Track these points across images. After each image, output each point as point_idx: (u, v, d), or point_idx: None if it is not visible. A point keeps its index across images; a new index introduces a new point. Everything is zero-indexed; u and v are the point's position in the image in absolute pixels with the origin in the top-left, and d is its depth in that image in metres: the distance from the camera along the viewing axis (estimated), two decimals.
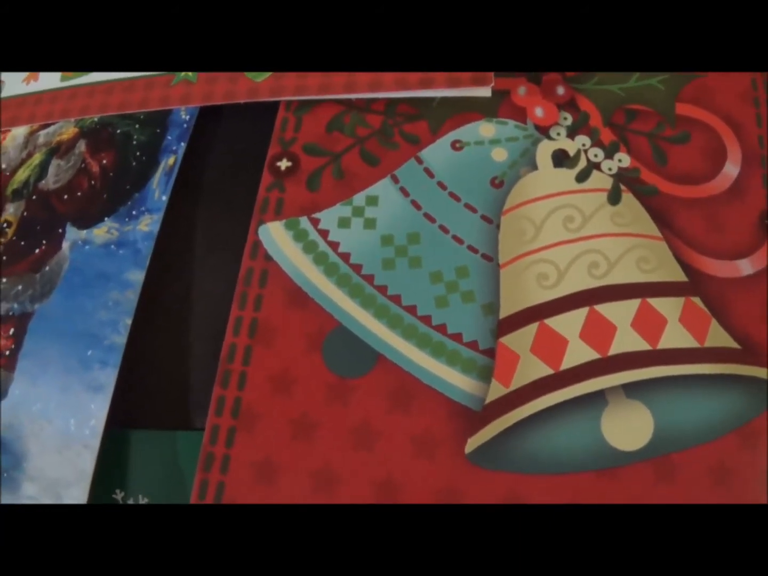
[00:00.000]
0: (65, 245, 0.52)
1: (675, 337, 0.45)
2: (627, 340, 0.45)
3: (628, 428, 0.44)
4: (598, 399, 0.44)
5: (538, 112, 0.52)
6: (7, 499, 0.47)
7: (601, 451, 0.44)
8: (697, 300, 0.47)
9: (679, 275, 0.47)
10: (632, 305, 0.46)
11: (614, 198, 0.49)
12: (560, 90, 0.52)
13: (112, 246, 0.51)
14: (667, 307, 0.46)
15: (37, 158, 0.56)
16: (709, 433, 0.44)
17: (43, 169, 0.56)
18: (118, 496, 0.47)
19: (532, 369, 0.45)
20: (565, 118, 0.52)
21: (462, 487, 0.43)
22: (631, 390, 0.44)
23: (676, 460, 0.43)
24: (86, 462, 0.46)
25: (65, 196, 0.54)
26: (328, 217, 0.50)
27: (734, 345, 0.46)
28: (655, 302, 0.46)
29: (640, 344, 0.45)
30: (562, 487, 0.43)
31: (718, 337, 0.46)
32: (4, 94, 0.60)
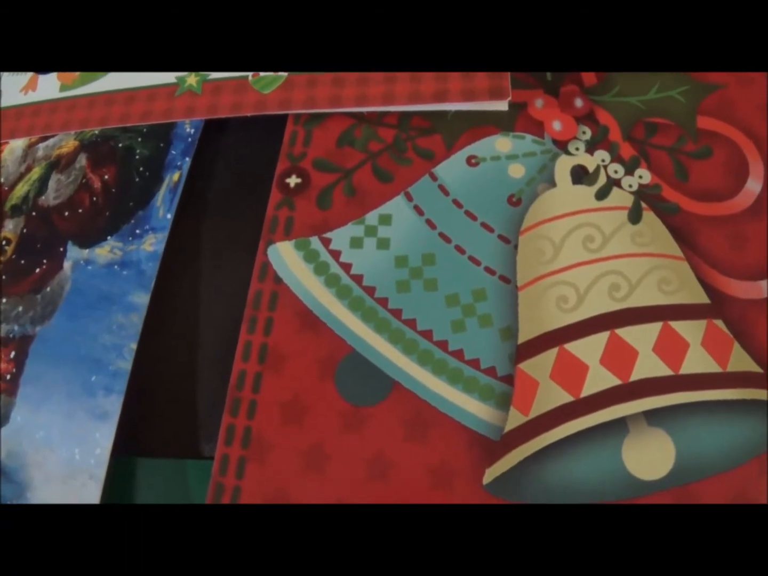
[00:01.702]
0: (66, 265, 0.51)
1: (697, 361, 0.44)
2: (649, 366, 0.44)
3: (650, 457, 0.43)
4: (619, 427, 0.43)
5: (556, 125, 0.51)
6: None
7: (622, 481, 0.43)
8: (719, 323, 0.46)
9: (701, 297, 0.46)
10: (654, 329, 0.45)
11: (635, 217, 0.48)
12: (578, 102, 0.51)
13: (116, 266, 0.50)
14: (689, 330, 0.45)
15: (36, 172, 0.55)
16: (731, 460, 0.43)
17: (42, 184, 0.55)
18: None
19: (551, 396, 0.44)
20: (584, 132, 0.51)
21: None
22: (652, 417, 0.44)
23: (697, 490, 0.43)
24: (92, 492, 0.45)
25: (66, 213, 0.53)
26: (340, 236, 0.49)
27: (757, 369, 0.45)
28: (677, 325, 0.45)
29: (662, 370, 0.44)
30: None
31: (740, 360, 0.45)
32: (2, 104, 0.58)
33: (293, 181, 0.50)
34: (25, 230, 0.53)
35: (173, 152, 0.53)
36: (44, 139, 0.57)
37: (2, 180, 0.56)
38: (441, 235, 0.48)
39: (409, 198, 0.49)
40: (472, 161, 0.50)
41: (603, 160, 0.50)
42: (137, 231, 0.51)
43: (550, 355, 0.45)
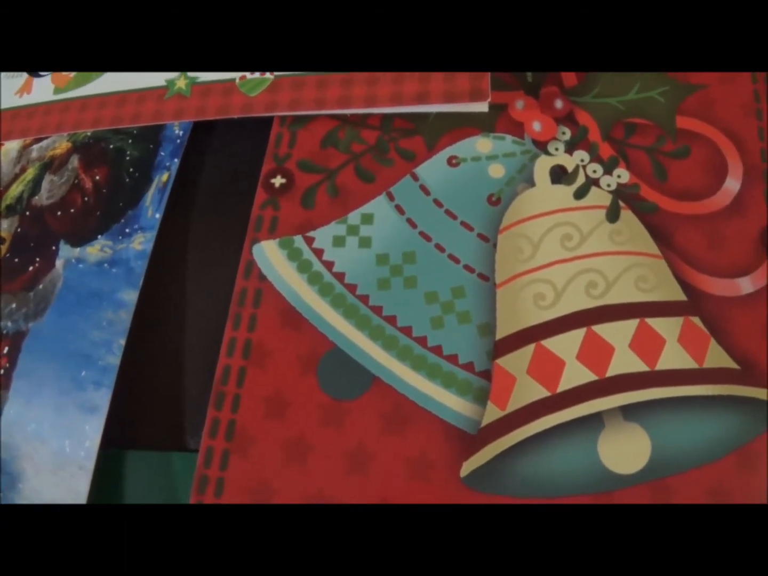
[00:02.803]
0: (59, 263, 0.52)
1: (673, 357, 0.45)
2: (625, 362, 0.44)
3: (625, 451, 0.44)
4: (595, 421, 0.44)
5: (536, 126, 0.51)
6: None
7: (597, 475, 0.43)
8: (696, 320, 0.46)
9: (678, 294, 0.47)
10: (630, 326, 0.45)
11: (613, 215, 0.48)
12: (558, 103, 0.51)
13: (105, 264, 0.51)
14: (666, 327, 0.45)
15: (30, 173, 0.56)
16: (708, 455, 0.44)
17: (36, 185, 0.55)
18: None
19: (528, 391, 0.44)
20: (564, 133, 0.51)
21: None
22: (628, 412, 0.44)
23: (673, 483, 0.43)
24: (81, 483, 0.46)
25: (59, 213, 0.54)
26: (323, 235, 0.49)
27: (733, 365, 0.45)
28: (654, 322, 0.45)
29: (638, 365, 0.44)
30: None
31: (717, 357, 0.45)
32: None
33: (278, 181, 0.51)
34: (19, 229, 0.54)
35: (162, 153, 0.54)
36: (38, 140, 0.57)
37: None
38: (421, 233, 0.49)
39: (390, 198, 0.50)
40: (452, 161, 0.51)
41: (582, 160, 0.50)
42: (127, 230, 0.51)
43: (528, 351, 0.45)
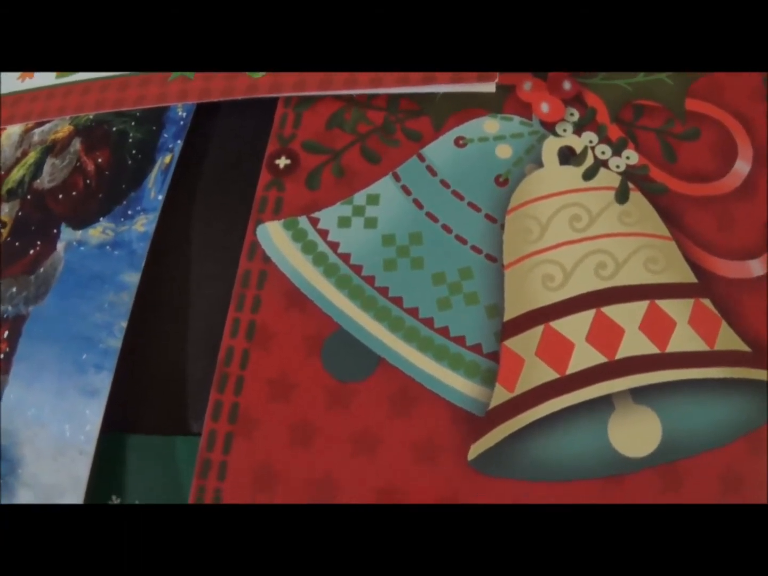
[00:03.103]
0: (60, 246, 0.51)
1: (684, 340, 0.44)
2: (635, 344, 0.44)
3: (635, 434, 0.43)
4: (605, 404, 0.43)
5: (544, 107, 0.51)
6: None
7: (607, 458, 0.43)
8: (707, 302, 0.46)
9: (688, 276, 0.46)
10: (640, 307, 0.45)
11: (622, 196, 0.48)
12: (567, 85, 0.51)
13: (107, 247, 0.50)
14: (676, 309, 0.45)
15: (32, 157, 0.56)
16: (718, 438, 0.43)
17: (38, 168, 0.55)
18: (114, 502, 0.46)
19: (537, 373, 0.44)
20: (572, 114, 0.51)
21: (465, 494, 0.42)
22: (638, 395, 0.44)
23: (684, 467, 0.43)
24: (81, 468, 0.45)
25: (60, 196, 0.53)
26: (328, 216, 0.49)
27: (745, 348, 0.45)
28: (664, 304, 0.45)
29: (648, 347, 0.44)
30: (568, 495, 0.42)
31: (728, 339, 0.45)
32: (1, 91, 0.59)
33: (283, 162, 0.50)
34: (20, 213, 0.54)
35: (165, 135, 0.53)
36: (40, 124, 0.57)
37: None
38: (428, 214, 0.48)
39: (396, 178, 0.49)
40: (459, 142, 0.50)
41: (590, 142, 0.50)
42: (129, 212, 0.51)
43: (536, 332, 0.45)
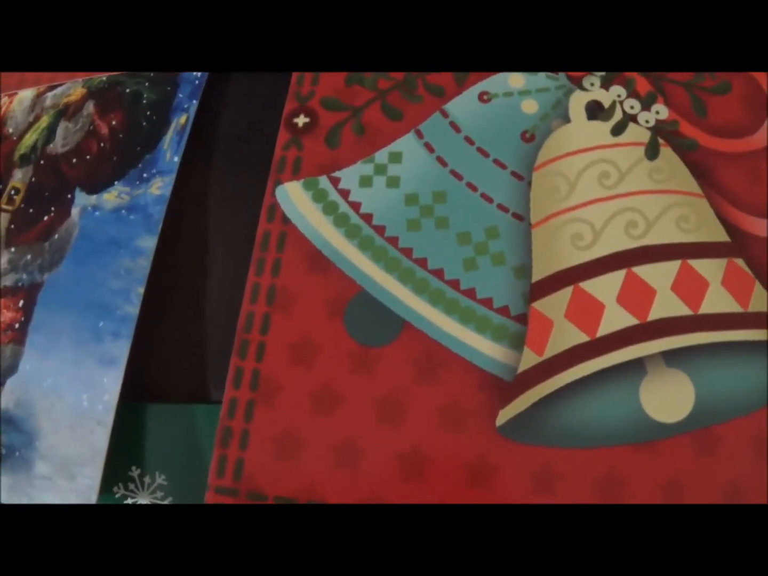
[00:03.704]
0: (74, 211, 0.51)
1: (717, 301, 0.43)
2: (667, 305, 0.43)
3: (668, 399, 0.42)
4: (636, 368, 0.43)
5: None
6: (21, 479, 0.45)
7: (639, 424, 0.42)
8: (740, 261, 0.45)
9: (721, 235, 0.45)
10: (672, 267, 0.44)
11: (652, 152, 0.47)
12: None
13: (123, 211, 0.49)
14: (709, 269, 0.44)
15: (44, 121, 0.55)
16: (753, 402, 0.42)
17: (51, 133, 0.54)
18: (134, 473, 0.46)
19: (566, 336, 0.43)
20: None
21: (493, 461, 0.42)
22: (671, 358, 0.43)
23: (717, 433, 0.42)
24: (100, 439, 0.45)
25: (74, 160, 0.52)
26: (349, 175, 0.48)
27: None
28: (697, 264, 0.44)
29: (680, 309, 0.43)
30: (598, 462, 0.42)
31: (762, 301, 0.44)
32: None
33: (301, 120, 0.49)
34: (33, 179, 0.53)
35: (180, 95, 0.52)
36: (52, 87, 0.56)
37: (11, 130, 0.56)
38: (452, 172, 0.47)
39: (419, 135, 0.48)
40: (483, 97, 0.49)
41: (619, 96, 0.49)
42: (144, 175, 0.50)
43: (565, 293, 0.44)
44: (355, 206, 0.47)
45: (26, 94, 0.57)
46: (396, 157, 0.48)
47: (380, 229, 0.46)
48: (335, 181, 0.48)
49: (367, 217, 0.46)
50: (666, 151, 0.47)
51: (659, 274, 0.43)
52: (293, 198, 0.47)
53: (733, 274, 0.44)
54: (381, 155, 0.48)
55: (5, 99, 0.57)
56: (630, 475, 0.41)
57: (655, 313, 0.43)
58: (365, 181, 0.47)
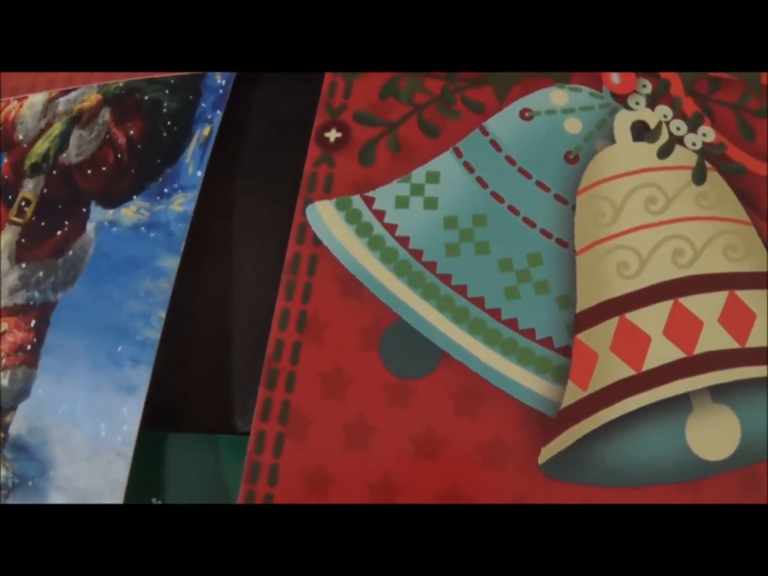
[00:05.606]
0: (90, 227, 0.49)
1: (765, 334, 0.42)
2: (714, 338, 0.42)
3: (714, 436, 0.41)
4: (682, 403, 0.42)
5: (615, 78, 0.48)
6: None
7: (685, 462, 0.41)
8: None
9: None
10: (719, 298, 0.43)
11: (699, 177, 0.45)
12: None
13: (142, 228, 0.48)
14: (757, 300, 0.43)
15: (56, 128, 0.53)
16: None
17: (63, 141, 0.52)
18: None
19: (612, 369, 0.42)
20: (644, 86, 0.48)
21: (533, 501, 0.41)
22: (717, 393, 0.42)
23: (762, 471, 0.41)
24: (119, 471, 0.43)
25: (89, 171, 0.51)
26: (384, 195, 0.46)
27: None
28: (744, 295, 0.43)
29: (728, 342, 0.42)
30: (641, 501, 0.41)
31: None
32: None
33: (333, 135, 0.48)
34: (45, 190, 0.51)
35: (203, 105, 0.51)
36: (65, 93, 0.54)
37: (21, 137, 0.54)
38: (493, 194, 0.46)
39: (458, 154, 0.47)
40: (525, 115, 0.48)
41: (665, 116, 0.47)
42: (165, 190, 0.48)
43: (611, 325, 0.43)
44: (391, 228, 0.45)
45: (37, 99, 0.55)
46: (434, 177, 0.47)
47: (417, 254, 0.45)
48: (369, 201, 0.46)
49: (404, 241, 0.45)
50: (713, 176, 0.46)
51: (706, 306, 0.42)
52: (325, 218, 0.46)
53: None
54: (418, 174, 0.47)
55: (15, 103, 0.55)
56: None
57: (702, 346, 0.42)
58: (401, 202, 0.46)
